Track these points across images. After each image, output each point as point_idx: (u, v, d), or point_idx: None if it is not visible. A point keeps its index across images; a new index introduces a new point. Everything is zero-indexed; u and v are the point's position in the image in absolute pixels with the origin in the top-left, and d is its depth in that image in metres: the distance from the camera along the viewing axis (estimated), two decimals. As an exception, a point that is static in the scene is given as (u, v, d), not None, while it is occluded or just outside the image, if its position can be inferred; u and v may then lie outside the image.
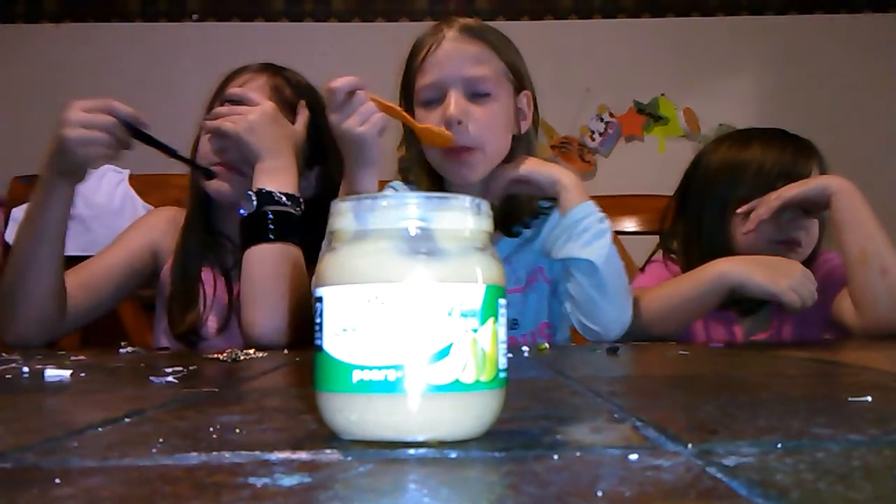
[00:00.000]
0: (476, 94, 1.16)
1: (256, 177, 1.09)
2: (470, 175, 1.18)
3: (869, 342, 1.15)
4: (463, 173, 1.18)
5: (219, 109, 1.16)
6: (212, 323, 1.21)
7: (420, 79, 1.18)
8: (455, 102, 1.14)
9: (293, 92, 1.23)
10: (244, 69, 1.25)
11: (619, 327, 1.16)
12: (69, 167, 1.06)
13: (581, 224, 1.12)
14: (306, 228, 1.13)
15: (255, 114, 1.11)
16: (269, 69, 1.24)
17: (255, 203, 1.07)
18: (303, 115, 1.20)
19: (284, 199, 1.07)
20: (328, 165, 1.25)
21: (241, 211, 1.09)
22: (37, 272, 1.10)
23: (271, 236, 1.06)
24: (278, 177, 1.09)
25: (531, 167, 1.18)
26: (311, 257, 1.14)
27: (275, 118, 1.13)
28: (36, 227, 1.09)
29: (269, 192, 1.07)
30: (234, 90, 1.17)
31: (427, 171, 1.23)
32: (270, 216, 1.07)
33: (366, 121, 1.02)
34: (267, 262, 1.07)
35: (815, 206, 1.29)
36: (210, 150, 1.19)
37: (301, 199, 1.11)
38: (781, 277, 1.20)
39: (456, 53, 1.16)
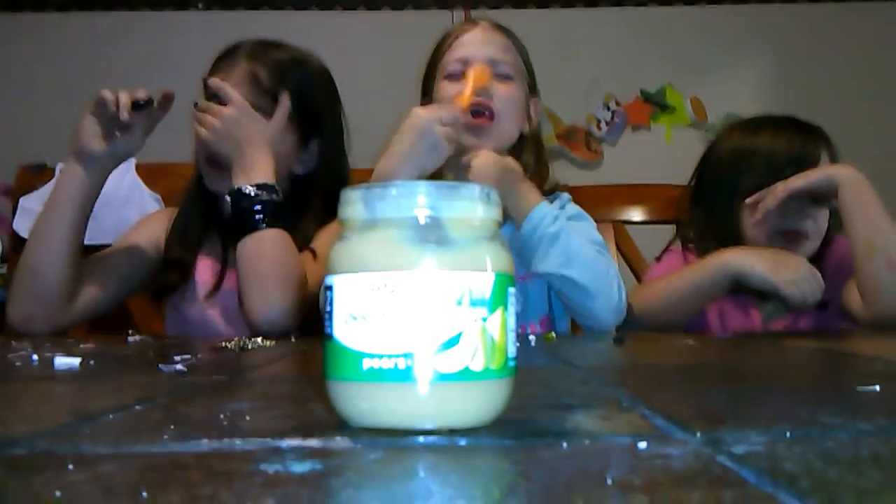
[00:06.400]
0: (498, 75, 1.23)
1: (233, 176, 1.13)
2: (485, 142, 1.19)
3: (877, 331, 1.15)
4: (478, 139, 1.18)
5: (196, 113, 1.18)
6: (214, 313, 1.22)
7: (448, 55, 1.25)
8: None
9: (272, 78, 1.22)
10: (231, 52, 1.25)
11: (613, 316, 1.14)
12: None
13: (533, 238, 1.11)
14: (303, 204, 1.22)
15: (221, 120, 1.14)
16: (251, 55, 1.23)
17: (229, 205, 1.12)
18: (282, 106, 1.21)
19: (255, 190, 1.11)
20: (325, 138, 1.28)
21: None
22: (46, 249, 1.14)
23: (256, 226, 1.10)
24: (250, 172, 1.12)
25: (477, 174, 1.12)
26: (307, 234, 1.20)
27: (241, 119, 1.15)
28: (49, 203, 1.16)
29: (240, 190, 1.11)
30: (212, 81, 1.19)
31: None
32: (248, 209, 1.10)
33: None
34: (256, 249, 1.10)
35: (823, 197, 1.29)
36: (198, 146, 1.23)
37: (276, 186, 1.13)
38: (784, 270, 1.20)
39: (485, 38, 1.26)
